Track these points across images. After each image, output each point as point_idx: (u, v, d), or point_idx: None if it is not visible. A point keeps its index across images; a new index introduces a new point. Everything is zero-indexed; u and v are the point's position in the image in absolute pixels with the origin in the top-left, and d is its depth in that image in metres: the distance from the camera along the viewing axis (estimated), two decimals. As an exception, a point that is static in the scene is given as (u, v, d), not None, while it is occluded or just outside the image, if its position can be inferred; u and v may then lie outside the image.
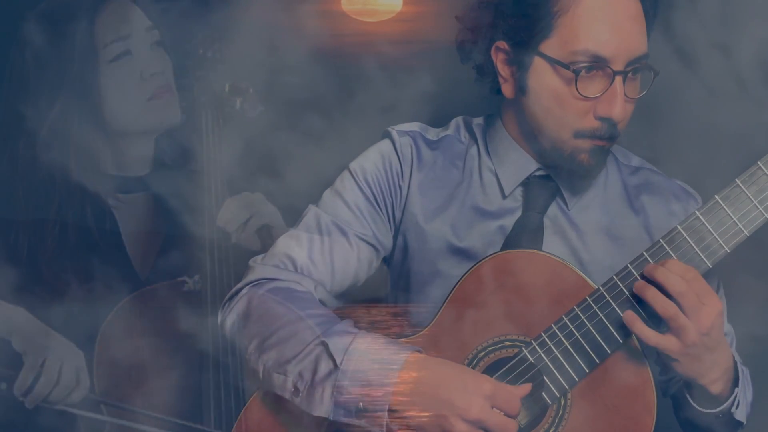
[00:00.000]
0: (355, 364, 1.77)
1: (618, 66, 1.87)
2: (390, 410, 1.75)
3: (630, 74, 1.89)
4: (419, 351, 1.81)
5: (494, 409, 1.76)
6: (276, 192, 2.44)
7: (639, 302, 1.81)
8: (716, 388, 1.83)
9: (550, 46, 1.89)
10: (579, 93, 1.87)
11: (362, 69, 2.44)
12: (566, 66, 1.87)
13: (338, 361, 1.78)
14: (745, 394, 1.91)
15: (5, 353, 2.16)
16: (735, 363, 1.88)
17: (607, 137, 1.92)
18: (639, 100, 1.96)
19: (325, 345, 1.80)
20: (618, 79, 1.88)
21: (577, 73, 1.87)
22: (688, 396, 1.89)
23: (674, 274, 1.77)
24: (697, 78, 2.28)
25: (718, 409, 1.87)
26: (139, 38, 2.35)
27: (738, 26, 2.25)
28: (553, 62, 1.89)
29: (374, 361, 1.77)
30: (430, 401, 1.75)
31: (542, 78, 1.91)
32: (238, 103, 2.43)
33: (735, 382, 1.87)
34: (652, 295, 1.78)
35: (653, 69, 1.93)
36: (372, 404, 1.76)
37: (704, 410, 1.88)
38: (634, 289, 1.81)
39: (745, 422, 1.92)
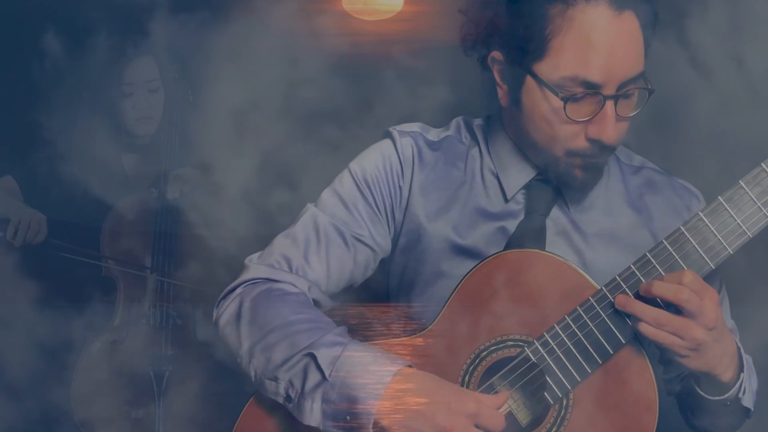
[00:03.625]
0: (344, 377, 1.77)
1: (609, 90, 1.84)
2: (375, 424, 1.74)
3: (621, 97, 1.86)
4: (410, 366, 1.80)
5: (478, 428, 1.75)
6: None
7: (642, 301, 1.81)
8: (727, 375, 1.83)
9: (542, 68, 1.87)
10: (567, 117, 1.85)
11: (365, 69, 2.46)
12: (555, 92, 1.85)
13: (326, 374, 1.77)
14: (750, 381, 1.91)
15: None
16: (738, 348, 1.87)
17: (600, 156, 1.90)
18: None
19: (313, 356, 1.79)
20: (609, 103, 1.85)
21: (565, 100, 1.84)
22: (696, 387, 1.88)
23: (672, 283, 1.76)
24: (710, 87, 2.28)
25: (726, 396, 1.86)
26: (140, 86, 3.39)
27: (750, 35, 2.26)
28: (543, 84, 1.87)
29: (363, 374, 1.76)
30: (415, 417, 1.74)
31: (533, 97, 1.89)
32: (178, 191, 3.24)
33: (740, 368, 1.86)
34: (641, 310, 1.78)
35: (648, 87, 1.89)
36: (359, 418, 1.75)
37: (713, 398, 1.87)
38: (617, 306, 1.80)
39: (752, 408, 1.91)
